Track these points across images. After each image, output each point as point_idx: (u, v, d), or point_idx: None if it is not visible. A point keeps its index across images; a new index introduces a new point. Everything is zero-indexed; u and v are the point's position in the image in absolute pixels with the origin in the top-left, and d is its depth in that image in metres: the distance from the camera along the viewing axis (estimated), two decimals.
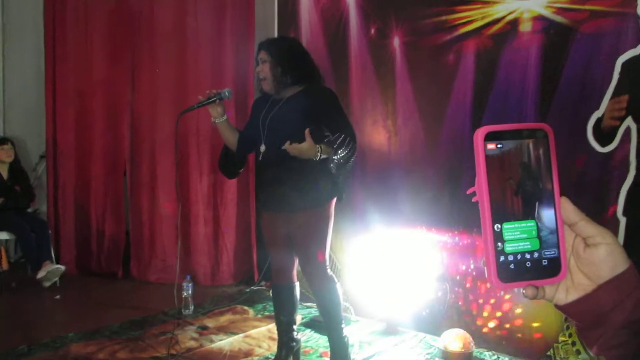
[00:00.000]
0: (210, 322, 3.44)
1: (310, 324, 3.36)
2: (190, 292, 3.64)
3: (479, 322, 2.84)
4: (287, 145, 2.31)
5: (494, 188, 0.56)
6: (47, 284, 4.19)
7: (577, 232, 0.58)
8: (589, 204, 2.34)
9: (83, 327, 3.36)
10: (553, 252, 0.57)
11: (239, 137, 2.63)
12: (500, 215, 0.56)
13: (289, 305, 2.66)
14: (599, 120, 2.24)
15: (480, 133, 0.56)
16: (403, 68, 3.09)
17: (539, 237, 0.57)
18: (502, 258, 0.56)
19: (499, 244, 0.56)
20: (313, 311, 3.63)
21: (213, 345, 3.07)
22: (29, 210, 4.66)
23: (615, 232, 2.19)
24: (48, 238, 4.38)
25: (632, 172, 2.13)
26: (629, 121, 2.13)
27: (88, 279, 4.58)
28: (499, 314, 2.80)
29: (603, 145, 2.26)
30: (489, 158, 0.56)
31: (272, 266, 2.70)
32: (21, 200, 4.51)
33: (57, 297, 4.10)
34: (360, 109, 3.36)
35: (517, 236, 0.56)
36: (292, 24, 3.68)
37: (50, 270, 4.19)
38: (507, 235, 0.56)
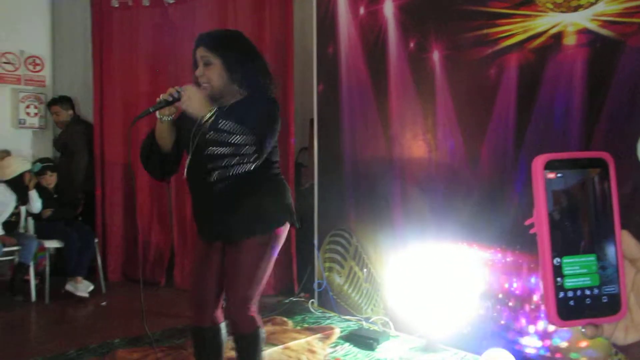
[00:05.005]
0: None
1: (349, 338, 3.35)
2: None
3: (522, 342, 2.77)
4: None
5: (553, 220, 0.53)
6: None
7: (638, 267, 0.55)
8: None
9: (128, 333, 3.47)
10: (613, 289, 0.54)
11: (175, 142, 2.23)
12: (560, 248, 0.54)
13: (213, 350, 2.20)
14: None
15: (540, 161, 0.53)
16: (443, 82, 3.05)
17: (599, 272, 0.54)
18: (561, 294, 0.53)
19: (559, 279, 0.53)
20: (352, 324, 3.62)
21: None
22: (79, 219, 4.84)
23: None
24: (93, 250, 4.54)
25: None
26: None
27: (133, 286, 4.73)
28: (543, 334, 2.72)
29: None
30: (548, 188, 0.54)
31: (192, 301, 2.23)
32: (68, 211, 4.69)
33: (104, 303, 4.28)
34: (400, 123, 3.34)
35: (577, 271, 0.53)
36: (330, 38, 3.69)
37: (78, 287, 4.34)
38: (566, 270, 0.53)
